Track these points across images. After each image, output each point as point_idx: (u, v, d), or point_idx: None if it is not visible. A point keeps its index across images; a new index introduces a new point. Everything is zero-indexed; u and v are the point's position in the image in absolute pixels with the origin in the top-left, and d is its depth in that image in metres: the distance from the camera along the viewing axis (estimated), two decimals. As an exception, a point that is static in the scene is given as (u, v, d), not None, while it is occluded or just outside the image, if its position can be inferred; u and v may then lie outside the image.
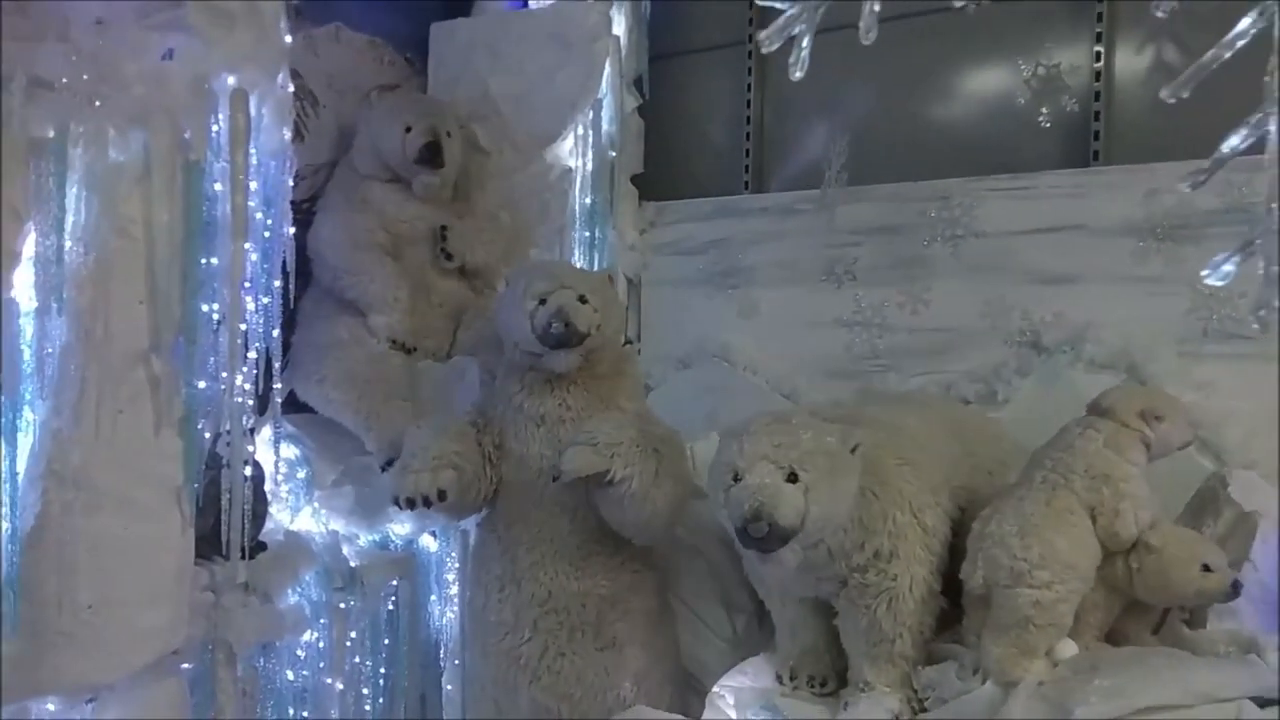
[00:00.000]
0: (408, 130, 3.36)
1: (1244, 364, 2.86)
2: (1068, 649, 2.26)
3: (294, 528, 3.09)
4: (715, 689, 2.60)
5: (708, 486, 2.42)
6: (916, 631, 2.42)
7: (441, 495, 2.72)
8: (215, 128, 2.38)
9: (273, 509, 3.00)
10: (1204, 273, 2.12)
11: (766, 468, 2.22)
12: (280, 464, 3.05)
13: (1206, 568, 2.24)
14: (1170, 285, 2.99)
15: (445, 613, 3.46)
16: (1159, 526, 2.31)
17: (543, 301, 2.76)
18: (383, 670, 3.22)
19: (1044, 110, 3.28)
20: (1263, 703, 2.18)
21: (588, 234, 3.71)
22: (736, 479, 2.24)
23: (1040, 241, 3.20)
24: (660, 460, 2.71)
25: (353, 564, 3.13)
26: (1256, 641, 2.27)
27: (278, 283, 2.62)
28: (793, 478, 2.22)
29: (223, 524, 2.61)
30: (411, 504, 2.72)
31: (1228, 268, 2.09)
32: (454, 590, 3.47)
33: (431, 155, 3.35)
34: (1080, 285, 3.13)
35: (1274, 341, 2.83)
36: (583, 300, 2.77)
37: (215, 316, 2.47)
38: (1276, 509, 2.46)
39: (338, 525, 3.18)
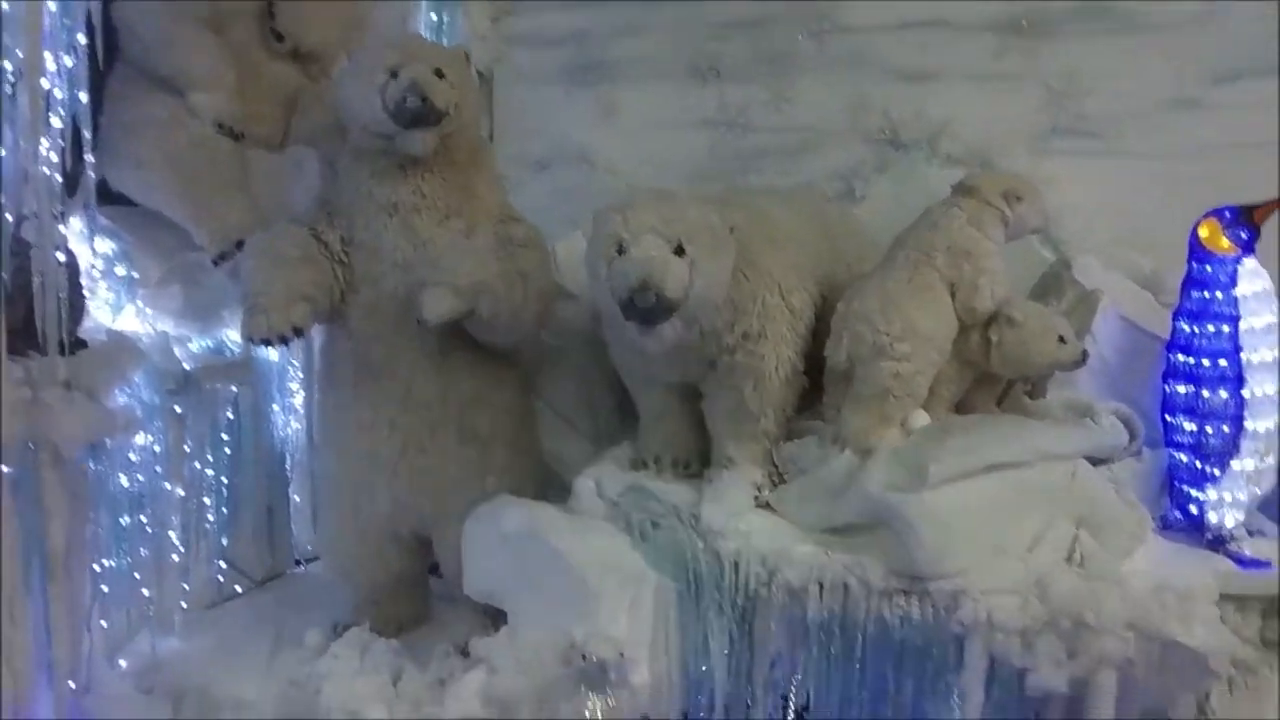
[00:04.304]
0: None
1: (1087, 160, 3.01)
2: (920, 419, 2.37)
3: (116, 328, 2.82)
4: (581, 476, 2.59)
5: (587, 262, 2.35)
6: (780, 410, 2.47)
7: (298, 332, 2.57)
8: None
9: (91, 307, 2.72)
10: None
11: (654, 240, 2.17)
12: (96, 259, 2.77)
13: (1061, 339, 2.36)
14: (1025, 83, 3.07)
15: (290, 422, 3.33)
16: (1016, 302, 2.41)
17: (394, 75, 2.52)
18: (225, 479, 3.10)
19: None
20: (1095, 460, 2.36)
21: (434, 17, 3.42)
22: (621, 251, 2.19)
23: (904, 37, 3.19)
24: (526, 281, 2.59)
25: (186, 367, 2.93)
26: (1091, 407, 2.44)
27: (82, 38, 2.29)
28: (679, 251, 2.19)
29: (35, 315, 2.37)
30: (267, 343, 2.55)
31: None
32: (299, 399, 3.33)
33: None
34: (940, 82, 3.17)
35: (1117, 139, 2.98)
36: (439, 75, 2.54)
37: (10, 75, 2.15)
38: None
39: (166, 326, 2.95)
